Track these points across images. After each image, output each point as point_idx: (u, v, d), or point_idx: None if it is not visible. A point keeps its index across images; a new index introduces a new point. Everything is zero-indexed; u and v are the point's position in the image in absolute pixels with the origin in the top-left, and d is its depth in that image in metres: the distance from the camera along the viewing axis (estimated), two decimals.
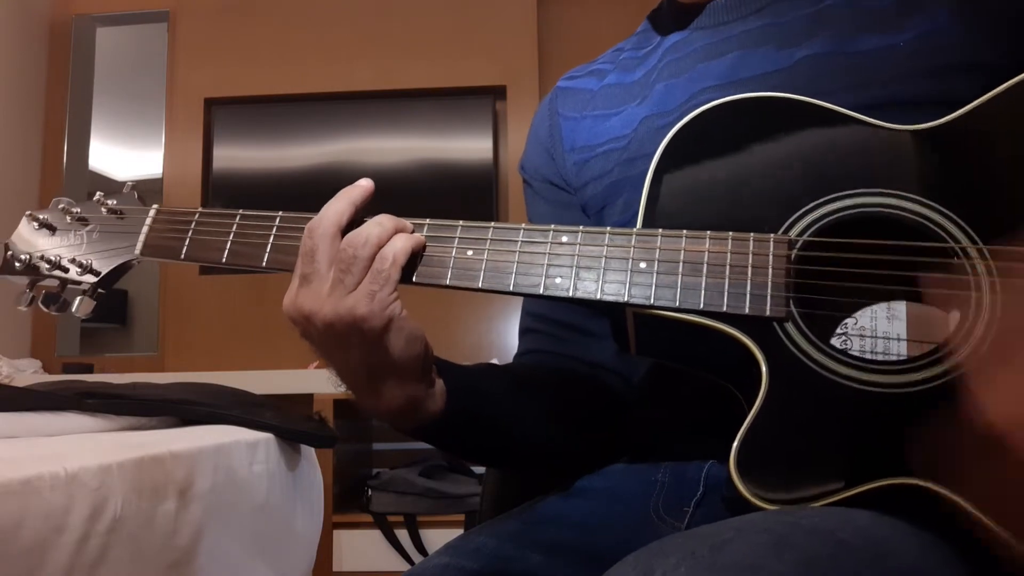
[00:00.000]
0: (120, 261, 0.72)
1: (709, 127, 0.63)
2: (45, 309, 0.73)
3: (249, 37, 3.11)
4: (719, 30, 0.75)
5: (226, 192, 3.08)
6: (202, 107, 3.11)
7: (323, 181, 3.00)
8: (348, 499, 2.53)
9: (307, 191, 3.00)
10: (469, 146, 3.01)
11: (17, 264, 0.73)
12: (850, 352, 0.56)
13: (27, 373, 2.65)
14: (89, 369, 2.82)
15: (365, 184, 0.63)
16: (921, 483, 0.50)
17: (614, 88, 0.82)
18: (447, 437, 0.69)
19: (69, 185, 3.13)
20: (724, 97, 0.63)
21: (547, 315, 0.83)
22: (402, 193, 2.97)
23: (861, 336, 0.58)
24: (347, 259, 0.58)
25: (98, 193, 0.74)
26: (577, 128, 0.83)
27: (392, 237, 0.59)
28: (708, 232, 0.59)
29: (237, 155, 3.09)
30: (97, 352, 3.04)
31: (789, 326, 0.56)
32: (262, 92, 3.09)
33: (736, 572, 0.41)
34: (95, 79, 3.21)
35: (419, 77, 3.04)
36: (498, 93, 3.06)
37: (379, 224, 0.60)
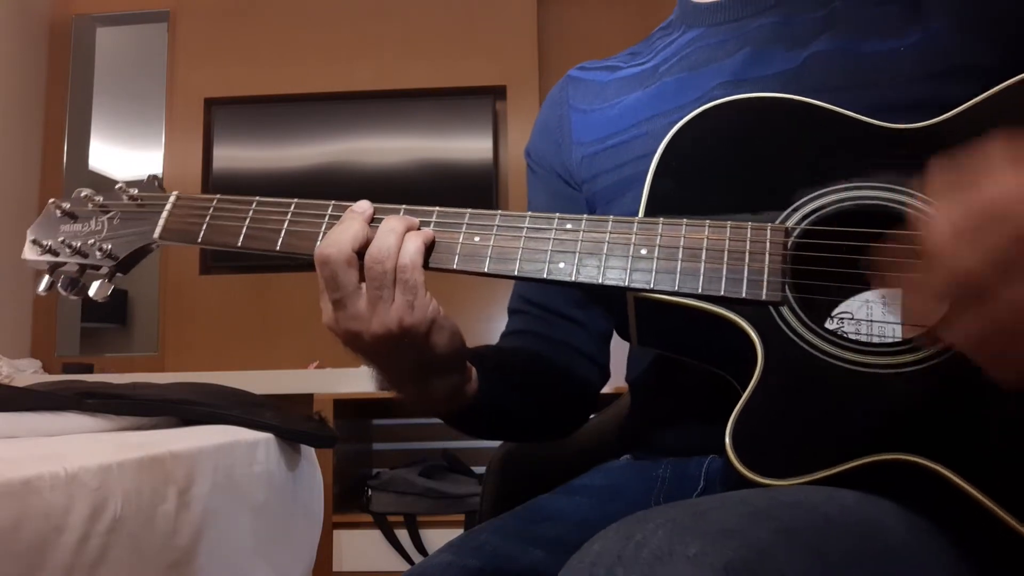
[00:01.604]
0: (139, 245, 0.74)
1: (711, 125, 0.64)
2: (64, 293, 0.75)
3: (249, 37, 3.11)
4: (733, 27, 0.77)
5: (226, 192, 3.07)
6: (202, 107, 3.11)
7: (323, 181, 3.00)
8: (348, 499, 2.53)
9: (307, 191, 2.98)
10: (469, 146, 3.01)
11: (39, 249, 0.75)
12: (844, 335, 0.57)
13: (27, 373, 2.65)
14: (89, 369, 2.82)
15: (364, 208, 0.65)
16: (912, 458, 0.52)
17: (623, 81, 0.84)
18: (475, 417, 0.73)
19: (69, 185, 3.13)
20: (731, 95, 0.65)
21: (536, 299, 0.86)
22: (402, 193, 2.95)
23: (855, 320, 0.60)
24: (378, 276, 0.60)
25: (120, 182, 0.76)
26: (586, 121, 0.84)
27: (404, 241, 0.61)
28: (708, 221, 0.61)
29: (237, 155, 3.09)
30: (97, 352, 3.04)
31: (785, 310, 0.58)
32: (262, 92, 3.09)
33: (714, 536, 0.42)
34: (95, 79, 3.21)
35: (419, 77, 3.04)
36: (498, 93, 3.06)
37: (392, 231, 0.61)
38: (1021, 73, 0.60)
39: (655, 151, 0.74)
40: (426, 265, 0.62)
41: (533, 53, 3.05)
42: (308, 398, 2.45)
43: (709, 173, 0.64)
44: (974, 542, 0.52)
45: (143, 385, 1.73)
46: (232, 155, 3.09)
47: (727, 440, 0.55)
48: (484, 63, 3.05)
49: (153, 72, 3.17)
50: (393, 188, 2.98)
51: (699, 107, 0.66)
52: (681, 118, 0.72)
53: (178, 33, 3.17)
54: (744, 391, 0.57)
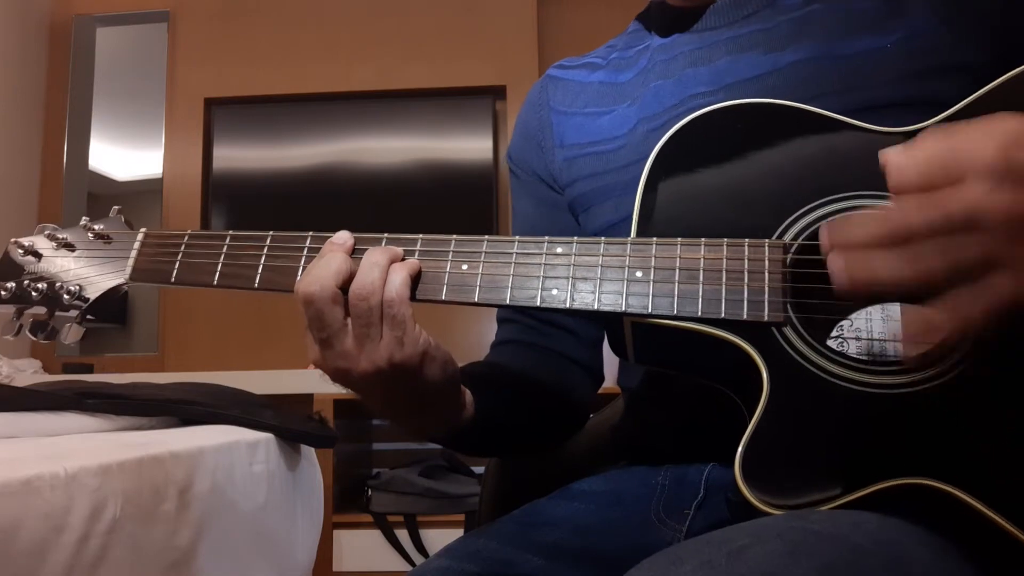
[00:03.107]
0: (109, 286, 0.71)
1: (700, 134, 0.62)
2: (33, 338, 0.71)
3: (249, 37, 3.11)
4: (706, 35, 0.76)
5: (226, 192, 3.08)
6: (202, 107, 3.11)
7: (323, 181, 3.00)
8: (348, 499, 2.53)
9: (307, 191, 3.00)
10: (469, 146, 3.01)
11: (3, 293, 0.71)
12: (848, 354, 0.56)
13: (27, 373, 2.64)
14: (89, 369, 2.82)
15: (345, 239, 0.63)
16: (927, 482, 0.50)
17: (605, 87, 0.82)
18: (471, 438, 0.72)
19: (69, 185, 3.13)
20: (712, 103, 0.63)
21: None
22: (402, 193, 2.97)
23: (857, 338, 0.58)
24: (363, 313, 0.58)
25: (84, 218, 0.73)
26: (567, 124, 0.83)
27: (389, 274, 0.59)
28: (703, 239, 0.59)
29: (237, 155, 3.08)
30: (97, 352, 3.04)
31: (787, 330, 0.56)
32: (262, 92, 3.09)
33: None
34: (95, 79, 3.21)
35: (419, 77, 3.04)
36: (498, 93, 3.06)
37: (376, 265, 0.59)
38: (1008, 68, 0.59)
39: (634, 161, 0.72)
40: (413, 297, 0.60)
41: (533, 53, 3.05)
42: (308, 398, 2.45)
43: (700, 186, 0.62)
44: (995, 564, 0.51)
45: (143, 385, 1.73)
46: (232, 155, 3.09)
47: (736, 471, 0.53)
48: (484, 63, 3.04)
49: (153, 72, 3.17)
50: (393, 188, 2.98)
51: (678, 114, 0.64)
52: (659, 126, 0.70)
53: (178, 33, 3.17)
54: (748, 411, 0.56)
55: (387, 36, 3.08)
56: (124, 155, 3.23)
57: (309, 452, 1.75)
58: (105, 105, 3.21)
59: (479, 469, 2.56)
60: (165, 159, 3.12)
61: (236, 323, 2.96)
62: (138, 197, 3.15)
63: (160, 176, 3.11)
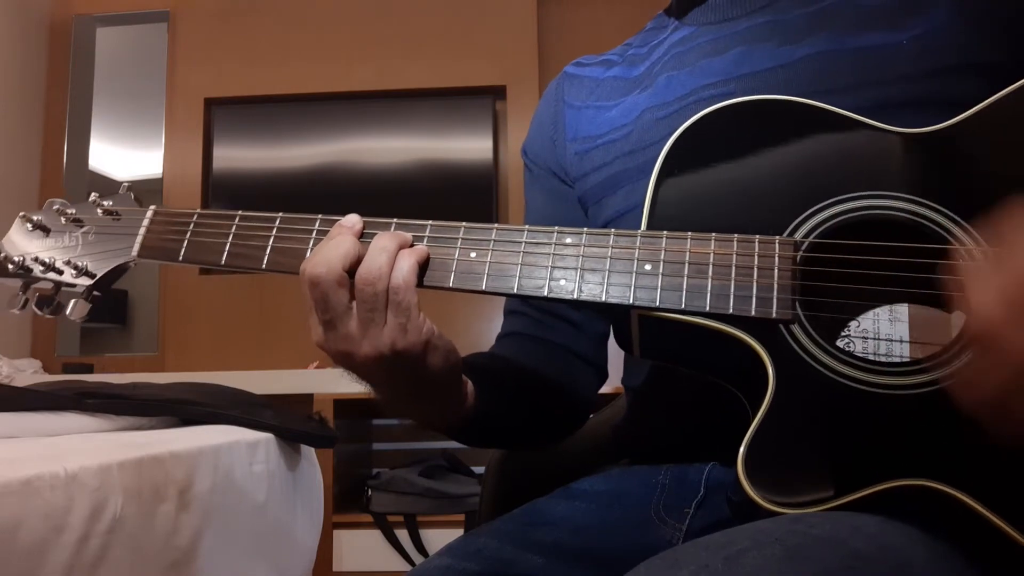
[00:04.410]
0: (116, 263, 0.70)
1: (713, 130, 0.62)
2: (39, 312, 0.71)
3: (249, 37, 3.11)
4: (724, 26, 0.75)
5: (226, 192, 3.07)
6: (202, 107, 3.11)
7: (323, 181, 3.00)
8: (348, 499, 2.53)
9: (307, 191, 3.00)
10: (469, 146, 3.01)
11: (10, 266, 0.71)
12: (855, 354, 0.56)
13: (27, 373, 2.65)
14: (89, 369, 2.82)
15: (354, 223, 0.62)
16: (930, 484, 0.50)
17: (618, 81, 0.82)
18: (472, 430, 0.72)
19: (69, 185, 3.13)
20: (725, 96, 0.63)
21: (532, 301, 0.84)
22: (402, 193, 2.97)
23: (864, 338, 0.58)
24: (368, 297, 0.57)
25: (93, 194, 0.72)
26: (580, 118, 0.83)
27: (396, 260, 0.58)
28: (713, 234, 0.58)
29: (237, 155, 3.09)
30: (97, 352, 3.04)
31: (795, 328, 0.56)
32: (262, 92, 3.09)
33: None
34: (95, 79, 3.21)
35: (419, 77, 3.04)
36: (498, 93, 3.06)
37: (384, 250, 0.58)
38: None
39: (641, 146, 0.72)
40: (420, 283, 0.59)
41: (533, 53, 3.05)
42: (308, 398, 2.45)
43: (712, 182, 0.62)
44: (999, 570, 0.51)
45: (143, 385, 1.74)
46: (232, 155, 3.09)
47: (739, 467, 0.53)
48: (484, 63, 3.05)
49: (153, 72, 3.17)
50: (393, 188, 2.98)
51: (687, 104, 0.63)
52: (667, 115, 0.69)
53: (178, 33, 3.17)
54: (753, 409, 0.55)
55: (387, 36, 3.08)
56: (124, 155, 3.23)
57: (309, 452, 1.75)
58: (105, 105, 3.21)
59: (479, 469, 2.56)
60: (165, 159, 3.12)
61: (236, 323, 2.96)
62: None
63: (160, 176, 3.12)
